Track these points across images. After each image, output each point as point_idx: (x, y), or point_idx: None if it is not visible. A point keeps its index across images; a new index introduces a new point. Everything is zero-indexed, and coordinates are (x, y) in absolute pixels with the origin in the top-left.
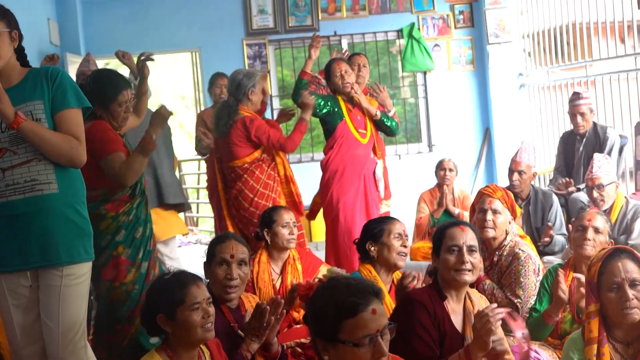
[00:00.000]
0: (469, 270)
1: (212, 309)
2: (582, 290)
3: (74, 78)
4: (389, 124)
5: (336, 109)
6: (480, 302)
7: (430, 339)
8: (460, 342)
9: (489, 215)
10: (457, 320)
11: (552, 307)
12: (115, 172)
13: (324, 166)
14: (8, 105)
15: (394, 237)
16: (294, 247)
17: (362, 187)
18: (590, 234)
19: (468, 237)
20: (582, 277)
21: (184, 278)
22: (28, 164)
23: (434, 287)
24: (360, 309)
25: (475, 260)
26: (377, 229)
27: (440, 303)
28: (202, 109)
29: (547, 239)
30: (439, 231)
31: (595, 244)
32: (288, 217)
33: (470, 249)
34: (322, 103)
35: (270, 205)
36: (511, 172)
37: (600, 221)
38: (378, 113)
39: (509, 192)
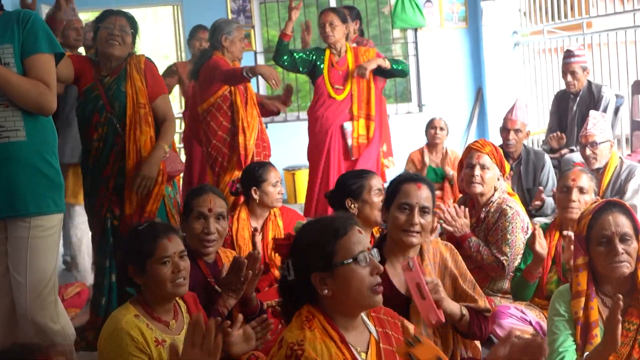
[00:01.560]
0: (417, 232)
1: (184, 263)
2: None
3: None
4: (399, 67)
5: (318, 63)
6: (436, 256)
7: None
8: (403, 304)
9: (477, 171)
10: (399, 282)
11: (532, 264)
12: None
13: (308, 121)
14: None
15: (374, 193)
16: (279, 206)
17: (327, 143)
18: (575, 194)
19: (423, 197)
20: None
21: (155, 230)
22: None
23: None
24: (349, 228)
25: (425, 221)
26: (356, 185)
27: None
28: None
29: (538, 203)
30: (394, 184)
31: (580, 205)
32: (277, 175)
33: (423, 210)
34: (304, 60)
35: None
36: (506, 130)
37: (584, 180)
38: (387, 62)
39: (497, 147)
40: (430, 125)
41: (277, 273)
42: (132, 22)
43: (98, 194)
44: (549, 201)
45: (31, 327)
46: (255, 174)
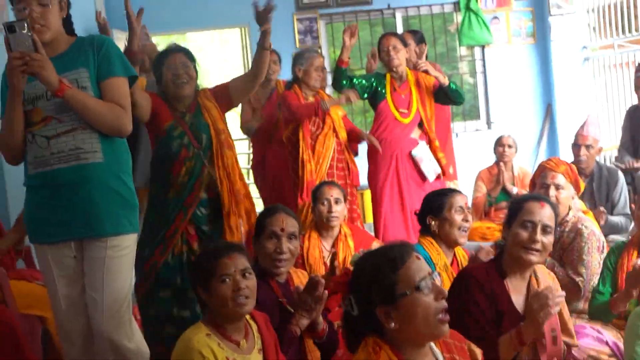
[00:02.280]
0: (538, 251)
1: (247, 282)
2: None
3: None
4: (457, 89)
5: (380, 88)
6: (547, 280)
7: (483, 318)
8: (518, 321)
9: (552, 191)
10: (518, 299)
11: (622, 297)
12: None
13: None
14: (52, 73)
15: (455, 210)
16: (335, 224)
17: (394, 168)
18: None
19: (546, 215)
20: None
21: (219, 249)
22: (73, 132)
23: (496, 263)
24: (406, 257)
25: (547, 241)
26: (438, 202)
27: (500, 280)
28: None
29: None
30: (517, 202)
31: None
32: (328, 193)
33: (545, 229)
34: (364, 86)
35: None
36: (577, 146)
37: None
38: (446, 79)
39: (572, 165)
40: (499, 143)
41: None
42: (190, 55)
43: (174, 220)
44: (614, 220)
45: (107, 344)
46: (314, 191)
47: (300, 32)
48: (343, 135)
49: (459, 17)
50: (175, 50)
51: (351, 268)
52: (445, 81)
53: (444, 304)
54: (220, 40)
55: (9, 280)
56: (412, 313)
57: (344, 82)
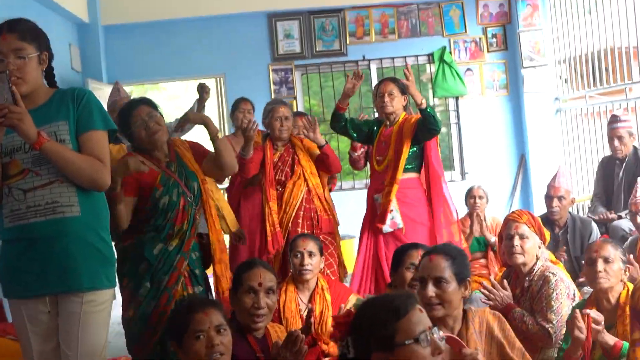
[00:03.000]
0: (438, 304)
1: (221, 338)
2: (597, 327)
3: None
4: (432, 114)
5: (374, 136)
6: (484, 323)
7: None
8: None
9: (516, 241)
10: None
11: (571, 347)
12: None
13: None
14: (30, 126)
15: (406, 268)
16: (308, 277)
17: (369, 216)
18: (600, 265)
19: (434, 268)
20: (593, 313)
21: (194, 304)
22: (50, 186)
23: None
24: (409, 308)
25: (443, 292)
26: (396, 259)
27: None
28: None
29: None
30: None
31: (608, 275)
32: (302, 245)
33: (438, 281)
34: (357, 127)
35: None
36: (550, 198)
37: (609, 250)
38: (424, 101)
39: (534, 215)
40: (470, 195)
41: (324, 347)
42: (152, 104)
43: (177, 268)
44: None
45: None
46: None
47: (276, 83)
48: (314, 182)
49: (432, 69)
50: (136, 104)
51: (353, 310)
52: (423, 103)
53: (439, 359)
54: (195, 89)
55: None
56: None
57: (342, 122)
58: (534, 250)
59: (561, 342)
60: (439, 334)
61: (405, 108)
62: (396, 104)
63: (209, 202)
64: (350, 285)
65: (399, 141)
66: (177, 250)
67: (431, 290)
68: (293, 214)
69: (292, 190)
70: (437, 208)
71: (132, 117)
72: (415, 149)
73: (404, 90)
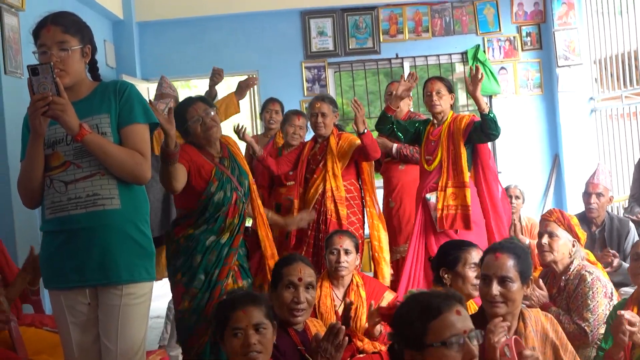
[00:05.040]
0: (501, 302)
1: (259, 337)
2: (631, 328)
3: None
4: (494, 119)
5: (422, 135)
6: (540, 323)
7: None
8: None
9: (545, 239)
10: None
11: (613, 348)
12: None
13: (388, 194)
14: (73, 117)
15: (469, 267)
16: (344, 274)
17: (419, 216)
18: None
19: (501, 267)
20: (627, 314)
21: (236, 300)
22: (91, 178)
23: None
24: (444, 309)
25: (508, 291)
26: (453, 255)
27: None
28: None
29: (608, 269)
30: (482, 256)
31: None
32: (338, 242)
33: (503, 280)
34: (405, 129)
35: None
36: (588, 195)
37: None
38: (487, 106)
39: (565, 214)
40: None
41: (359, 344)
42: (208, 102)
43: (227, 262)
44: (626, 267)
45: None
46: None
47: (308, 80)
48: (333, 184)
49: (466, 68)
50: (193, 100)
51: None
52: (486, 108)
53: None
54: (227, 86)
55: (19, 326)
56: None
57: (388, 125)
58: (564, 249)
59: (599, 342)
60: (480, 337)
61: (452, 107)
62: (444, 102)
63: (257, 200)
64: (399, 284)
65: (452, 141)
66: (228, 244)
67: (495, 288)
68: None
69: (311, 189)
70: (493, 207)
71: (188, 113)
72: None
73: (451, 89)
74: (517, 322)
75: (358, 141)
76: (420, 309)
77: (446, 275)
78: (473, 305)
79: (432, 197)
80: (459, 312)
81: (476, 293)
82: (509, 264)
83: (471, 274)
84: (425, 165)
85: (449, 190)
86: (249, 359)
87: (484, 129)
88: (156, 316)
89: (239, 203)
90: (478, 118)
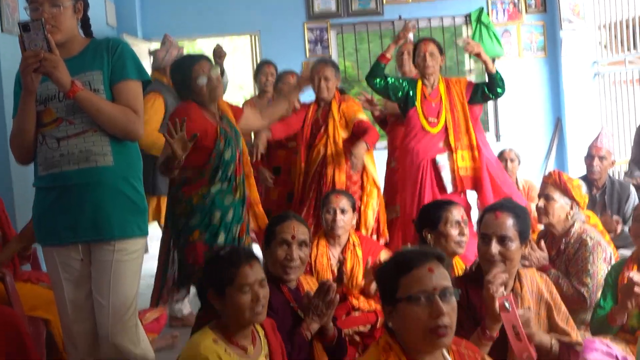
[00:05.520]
0: (501, 262)
1: (264, 291)
2: (638, 290)
3: None
4: (501, 77)
5: (411, 94)
6: (535, 283)
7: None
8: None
9: (541, 202)
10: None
11: (618, 311)
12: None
13: (391, 153)
14: (65, 74)
15: (450, 225)
16: (340, 233)
17: (420, 179)
18: None
19: (500, 226)
20: (636, 277)
21: (237, 256)
22: (84, 135)
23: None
24: (415, 265)
25: (507, 250)
26: (434, 215)
27: (476, 289)
28: None
29: (612, 235)
30: (481, 214)
31: None
32: (335, 202)
33: (502, 239)
34: (397, 87)
35: None
36: (591, 157)
37: None
38: (494, 67)
39: (563, 177)
40: (501, 157)
41: (354, 302)
42: (210, 61)
43: (243, 219)
44: (627, 233)
45: (113, 349)
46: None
47: (311, 42)
48: (334, 149)
49: (469, 30)
50: (197, 59)
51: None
52: (493, 68)
53: (438, 322)
54: (230, 47)
55: (15, 282)
56: (404, 320)
57: (379, 79)
58: (560, 212)
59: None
60: (456, 295)
61: (441, 69)
62: (436, 64)
63: (245, 153)
64: (392, 243)
65: (456, 103)
66: (241, 201)
67: (495, 247)
68: (309, 178)
69: (312, 152)
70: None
71: (194, 71)
72: None
73: (442, 51)
74: (514, 282)
75: (359, 114)
76: (394, 264)
77: (429, 236)
78: (459, 263)
79: (442, 159)
80: (432, 270)
81: (460, 250)
82: (509, 223)
83: (453, 231)
84: (428, 128)
85: (460, 152)
86: (256, 312)
87: (491, 89)
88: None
89: (242, 161)
90: (471, 80)
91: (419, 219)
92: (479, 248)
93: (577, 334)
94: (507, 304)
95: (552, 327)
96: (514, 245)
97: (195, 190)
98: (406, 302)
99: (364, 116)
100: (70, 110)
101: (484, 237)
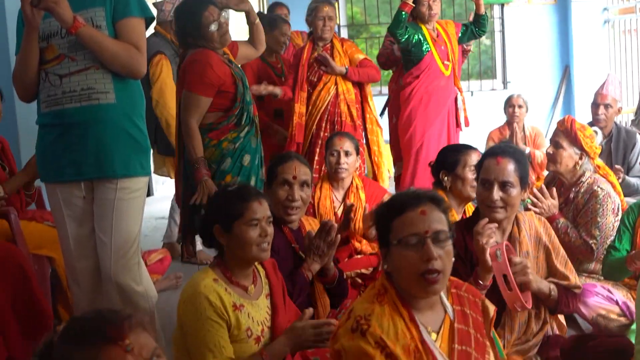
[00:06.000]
0: (501, 207)
1: (270, 229)
2: None
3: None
4: (487, 17)
5: (422, 40)
6: (533, 227)
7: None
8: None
9: (550, 149)
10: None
11: (638, 254)
12: (182, 109)
13: (407, 97)
14: (67, 10)
15: (468, 169)
16: (343, 176)
17: (446, 118)
18: None
19: (502, 171)
20: None
21: (247, 192)
22: (86, 72)
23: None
24: (407, 208)
25: (508, 196)
26: (452, 158)
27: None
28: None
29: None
30: (481, 159)
31: None
32: (338, 144)
33: (504, 184)
34: (413, 32)
35: None
36: (596, 105)
37: None
38: (483, 8)
39: (576, 124)
40: (509, 103)
41: (357, 245)
42: (216, 4)
43: (264, 161)
44: (630, 181)
45: (115, 287)
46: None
47: None
48: (344, 87)
49: None
50: (205, 4)
51: None
52: (483, 9)
53: (429, 266)
54: None
55: (20, 220)
56: (396, 264)
57: (401, 30)
58: (568, 161)
59: (602, 256)
60: (447, 246)
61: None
62: (438, 8)
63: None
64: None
65: (454, 46)
66: (261, 143)
67: (497, 193)
68: (318, 117)
69: (320, 92)
70: None
71: (204, 18)
72: None
73: None
74: (512, 227)
75: (359, 54)
76: (388, 206)
77: (446, 178)
78: (471, 208)
79: (459, 98)
80: (424, 212)
81: (475, 195)
82: (510, 169)
83: (470, 176)
84: (444, 70)
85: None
86: (263, 249)
87: (479, 28)
88: (161, 217)
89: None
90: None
91: (437, 161)
92: (478, 193)
93: (575, 277)
94: (498, 255)
95: (551, 270)
96: (515, 191)
97: (225, 135)
98: (398, 245)
99: (364, 55)
100: (72, 46)
101: (485, 183)
